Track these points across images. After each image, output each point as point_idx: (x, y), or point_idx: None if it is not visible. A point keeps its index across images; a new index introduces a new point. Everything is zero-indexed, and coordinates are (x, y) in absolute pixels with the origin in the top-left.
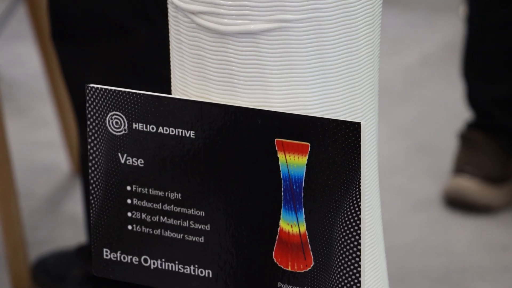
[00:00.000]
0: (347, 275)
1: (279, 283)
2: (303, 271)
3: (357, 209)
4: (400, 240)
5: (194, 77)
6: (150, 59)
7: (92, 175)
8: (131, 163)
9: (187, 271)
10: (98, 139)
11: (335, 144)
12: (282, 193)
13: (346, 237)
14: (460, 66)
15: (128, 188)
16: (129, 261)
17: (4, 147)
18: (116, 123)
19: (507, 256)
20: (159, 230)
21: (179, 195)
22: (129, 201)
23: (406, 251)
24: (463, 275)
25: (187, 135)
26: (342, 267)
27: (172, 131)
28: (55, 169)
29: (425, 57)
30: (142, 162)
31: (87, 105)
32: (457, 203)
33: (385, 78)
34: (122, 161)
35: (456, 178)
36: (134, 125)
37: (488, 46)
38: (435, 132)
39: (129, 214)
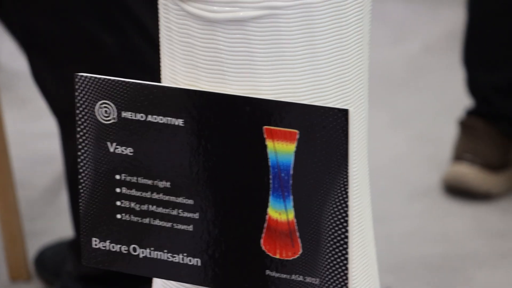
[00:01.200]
0: (334, 262)
1: (267, 270)
2: (291, 258)
3: (345, 196)
4: (399, 228)
5: (183, 65)
6: (123, 67)
7: (81, 164)
8: (120, 151)
9: (176, 259)
10: (87, 128)
11: (323, 131)
12: (271, 181)
13: (334, 224)
14: (461, 53)
15: (117, 177)
16: (118, 250)
17: (2, 137)
18: (105, 111)
19: (506, 243)
20: (148, 219)
21: (168, 183)
22: (118, 190)
23: (406, 239)
24: (462, 262)
25: (176, 123)
26: (330, 254)
27: (161, 119)
28: (54, 159)
29: (427, 45)
30: (131, 150)
31: (76, 94)
32: (456, 190)
33: (386, 66)
34: (111, 150)
35: (455, 165)
36: (123, 114)
37: (488, 33)
38: (436, 120)
39: (118, 203)
